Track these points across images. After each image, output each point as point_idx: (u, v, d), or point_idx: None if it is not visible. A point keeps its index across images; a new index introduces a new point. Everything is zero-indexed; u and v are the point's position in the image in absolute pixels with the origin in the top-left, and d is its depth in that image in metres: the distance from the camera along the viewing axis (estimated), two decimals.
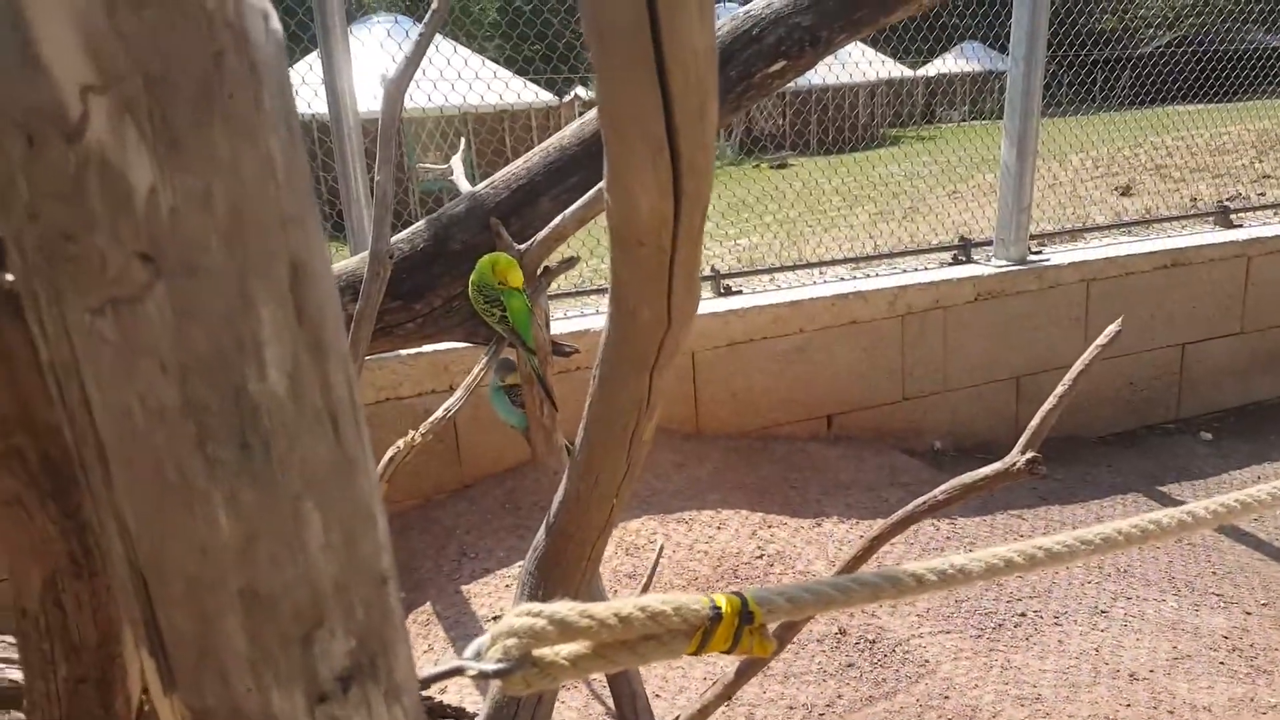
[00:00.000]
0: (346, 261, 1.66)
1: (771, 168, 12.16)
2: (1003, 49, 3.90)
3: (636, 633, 0.64)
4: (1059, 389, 1.19)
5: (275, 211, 0.43)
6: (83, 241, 0.39)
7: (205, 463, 0.43)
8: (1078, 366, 1.19)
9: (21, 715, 1.07)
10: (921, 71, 16.39)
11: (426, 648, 2.33)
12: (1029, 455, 1.18)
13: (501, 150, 9.92)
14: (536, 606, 0.61)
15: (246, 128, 0.41)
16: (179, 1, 0.39)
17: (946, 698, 2.22)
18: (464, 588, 2.52)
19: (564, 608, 0.61)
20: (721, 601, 0.67)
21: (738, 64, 1.72)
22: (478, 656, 0.60)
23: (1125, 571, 2.87)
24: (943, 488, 1.26)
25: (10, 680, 1.10)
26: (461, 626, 2.39)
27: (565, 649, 0.62)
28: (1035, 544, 0.83)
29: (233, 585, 0.44)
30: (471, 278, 1.45)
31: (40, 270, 0.40)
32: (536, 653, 0.61)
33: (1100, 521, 3.23)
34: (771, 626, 0.73)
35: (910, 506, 1.30)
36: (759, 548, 2.68)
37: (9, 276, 0.48)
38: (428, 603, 2.49)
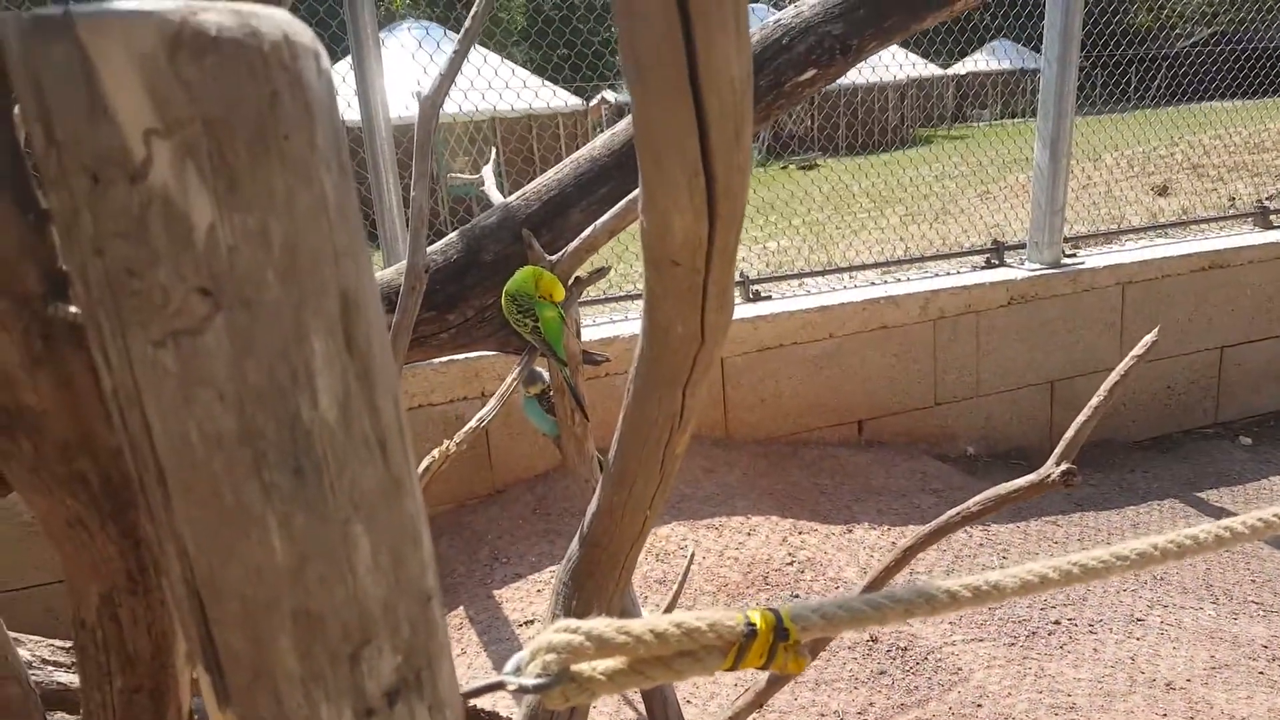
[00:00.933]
0: (383, 272, 1.68)
1: (799, 169, 12.10)
2: (1035, 47, 3.84)
3: (672, 649, 0.65)
4: (1094, 400, 1.18)
5: (328, 246, 0.44)
6: (146, 277, 0.41)
7: (261, 488, 0.44)
8: (1114, 376, 1.18)
9: (68, 716, 1.10)
10: (952, 70, 16.23)
11: (460, 651, 2.35)
12: (1064, 467, 1.17)
13: (530, 157, 9.97)
14: (574, 623, 0.62)
15: (301, 167, 0.43)
16: (238, 47, 0.41)
17: (979, 706, 2.20)
18: (496, 592, 2.55)
19: (601, 624, 0.62)
20: (756, 618, 0.67)
21: (768, 73, 1.73)
22: (518, 671, 0.61)
23: (1162, 579, 2.83)
24: (977, 499, 1.26)
25: (59, 683, 1.13)
26: (494, 631, 2.42)
27: (602, 664, 0.63)
28: (1071, 560, 0.83)
29: (286, 606, 0.46)
30: (506, 287, 1.47)
31: (104, 303, 0.42)
32: (574, 668, 0.62)
33: (1136, 529, 3.19)
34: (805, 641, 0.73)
35: (944, 517, 1.30)
36: (789, 554, 2.67)
37: (73, 309, 0.50)
38: (460, 607, 2.52)
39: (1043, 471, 1.19)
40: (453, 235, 1.69)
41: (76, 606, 0.59)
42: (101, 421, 0.52)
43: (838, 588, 2.55)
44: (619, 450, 0.95)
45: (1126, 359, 1.18)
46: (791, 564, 2.64)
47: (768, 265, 6.60)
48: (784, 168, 13.11)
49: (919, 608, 0.75)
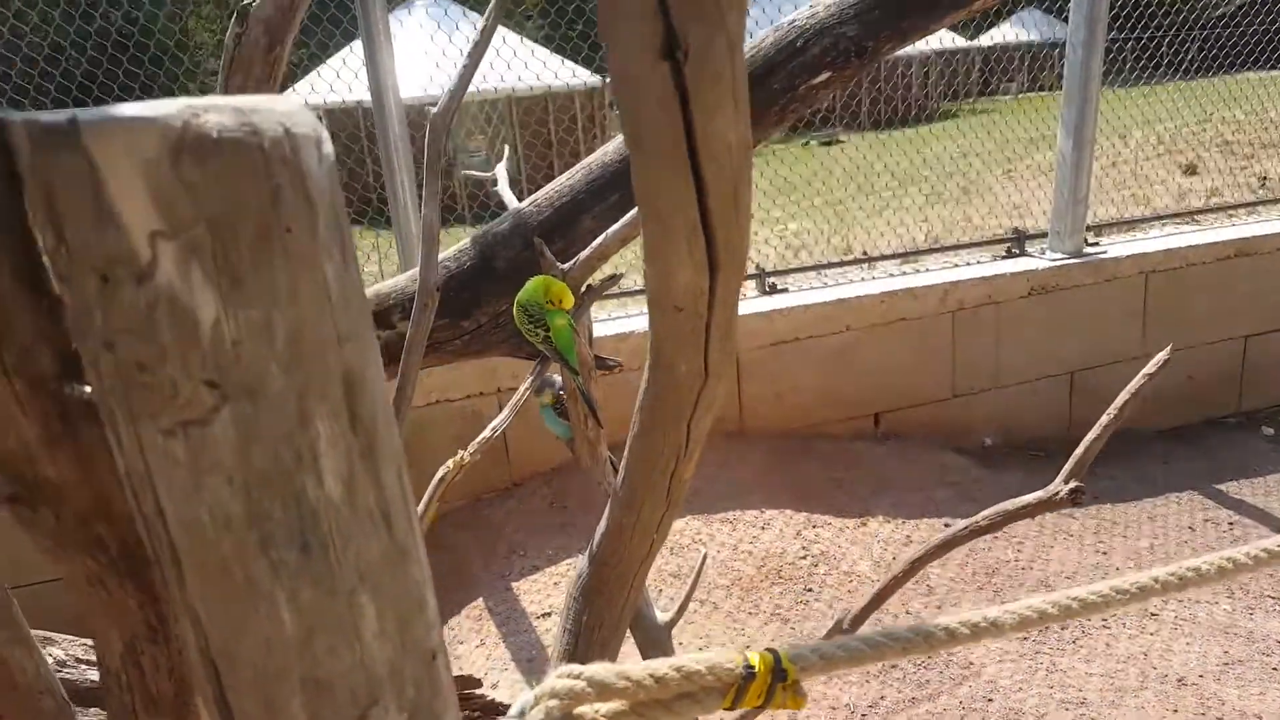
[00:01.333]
0: (397, 279, 1.70)
1: (820, 145, 11.93)
2: (1066, 17, 3.74)
3: (671, 692, 0.67)
4: (1104, 418, 1.18)
5: (330, 332, 0.46)
6: (155, 371, 0.42)
7: (269, 565, 0.46)
8: (1124, 396, 1.18)
9: (102, 712, 1.14)
10: (977, 42, 15.89)
11: (479, 642, 2.39)
12: (1072, 485, 1.17)
13: (547, 137, 9.91)
14: (576, 669, 0.64)
15: (303, 258, 0.44)
16: (239, 148, 0.42)
17: (990, 700, 2.21)
18: (514, 585, 2.58)
19: (602, 670, 0.64)
20: (755, 659, 0.69)
21: (781, 76, 1.72)
22: (522, 715, 0.63)
23: None
24: (984, 514, 1.27)
25: (92, 681, 1.17)
26: (512, 622, 2.46)
27: (604, 707, 0.65)
28: (1070, 594, 0.84)
29: (296, 673, 0.48)
30: (518, 297, 1.48)
31: (116, 393, 0.43)
32: (577, 711, 0.64)
33: (1153, 522, 3.16)
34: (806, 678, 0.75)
35: (951, 531, 1.30)
36: (803, 548, 2.69)
37: (87, 389, 0.52)
38: (479, 599, 2.56)
39: (1051, 489, 1.19)
40: (465, 242, 1.70)
41: (101, 653, 0.62)
42: (117, 491, 0.54)
43: (851, 581, 2.57)
44: (626, 477, 0.96)
45: (1137, 378, 1.17)
46: (805, 558, 2.65)
47: (787, 247, 6.55)
48: (805, 144, 12.91)
49: (917, 646, 0.76)
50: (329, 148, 0.47)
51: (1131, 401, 1.19)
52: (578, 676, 0.64)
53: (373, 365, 0.48)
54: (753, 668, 0.69)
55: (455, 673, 2.18)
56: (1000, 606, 0.81)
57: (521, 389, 1.50)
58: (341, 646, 0.48)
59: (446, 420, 2.80)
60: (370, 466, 0.48)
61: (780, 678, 0.70)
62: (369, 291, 1.63)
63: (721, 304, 0.71)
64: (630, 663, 0.69)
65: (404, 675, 0.51)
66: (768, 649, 0.71)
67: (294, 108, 0.45)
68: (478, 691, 1.79)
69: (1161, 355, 1.17)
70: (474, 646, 2.37)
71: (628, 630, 1.75)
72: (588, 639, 1.09)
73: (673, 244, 0.63)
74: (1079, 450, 1.20)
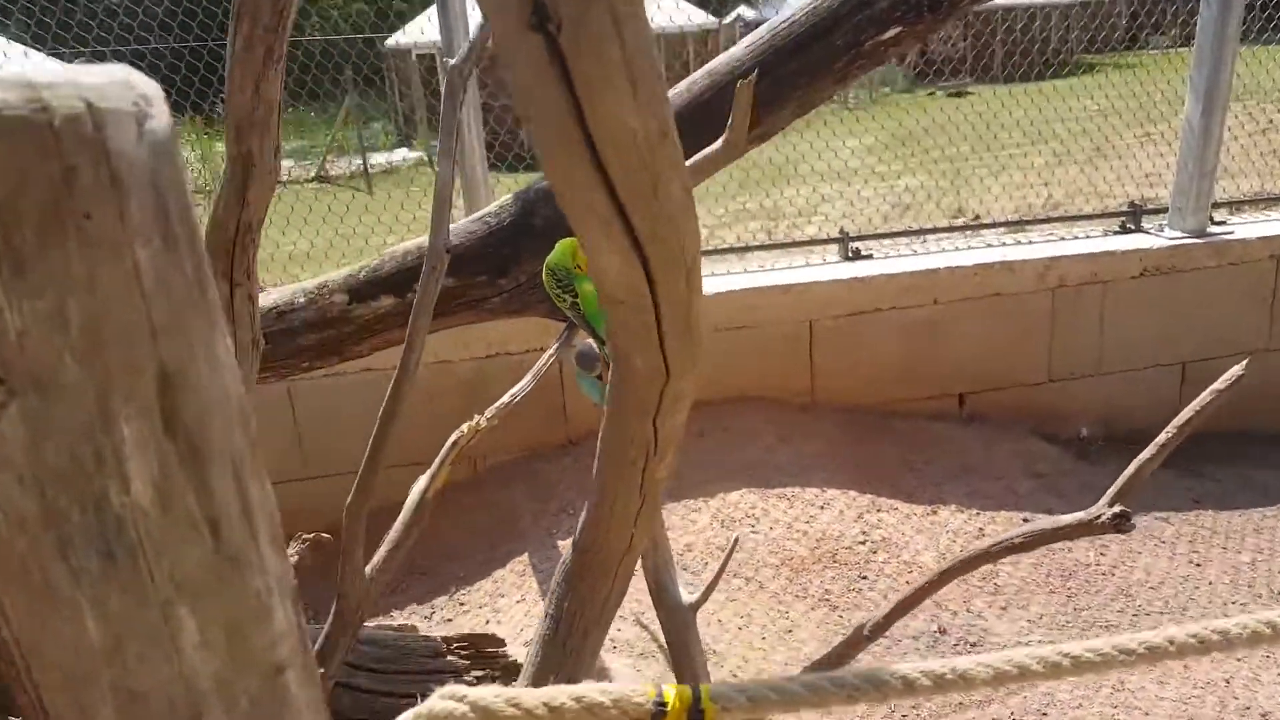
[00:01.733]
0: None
1: (948, 96, 11.33)
2: None
3: None
4: (1161, 437, 1.05)
5: (141, 324, 0.42)
6: None
7: (69, 571, 0.43)
8: (1187, 412, 1.04)
9: None
10: None
11: (519, 598, 2.41)
12: (1117, 509, 1.05)
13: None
14: (461, 690, 0.60)
15: (106, 243, 0.40)
16: (22, 125, 0.38)
17: (1045, 715, 2.08)
18: (560, 544, 2.59)
19: (489, 694, 0.60)
20: (670, 694, 0.63)
21: (846, 30, 1.59)
22: None
23: None
24: (1021, 530, 1.16)
25: None
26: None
27: None
28: (1060, 650, 0.74)
29: (104, 680, 0.46)
30: (546, 261, 1.43)
31: None
32: None
33: (1259, 534, 2.89)
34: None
35: (986, 545, 1.20)
36: (863, 532, 2.58)
37: None
38: (525, 554, 2.57)
39: (1093, 511, 1.07)
40: (507, 197, 1.66)
41: None
42: None
43: (911, 572, 2.45)
44: (599, 467, 0.92)
45: (1205, 393, 1.03)
46: (864, 543, 2.54)
47: (893, 205, 6.26)
48: (931, 94, 12.30)
49: (865, 694, 0.69)
50: (157, 123, 0.43)
51: (1196, 419, 1.05)
52: (461, 699, 0.60)
53: (200, 361, 0.44)
54: (664, 704, 0.63)
55: (490, 629, 2.19)
56: (973, 657, 0.73)
57: (545, 356, 1.46)
58: (156, 657, 0.46)
59: (506, 372, 2.79)
60: (193, 471, 0.45)
61: (696, 717, 0.64)
62: (399, 248, 1.61)
63: (670, 299, 0.65)
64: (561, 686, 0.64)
65: (235, 689, 0.48)
66: (689, 684, 0.65)
67: (109, 80, 0.41)
68: (501, 650, 1.80)
69: (1235, 370, 1.03)
70: (514, 601, 2.39)
71: (637, 616, 1.72)
72: (569, 625, 1.06)
73: (590, 235, 0.56)
74: (1129, 471, 1.07)
